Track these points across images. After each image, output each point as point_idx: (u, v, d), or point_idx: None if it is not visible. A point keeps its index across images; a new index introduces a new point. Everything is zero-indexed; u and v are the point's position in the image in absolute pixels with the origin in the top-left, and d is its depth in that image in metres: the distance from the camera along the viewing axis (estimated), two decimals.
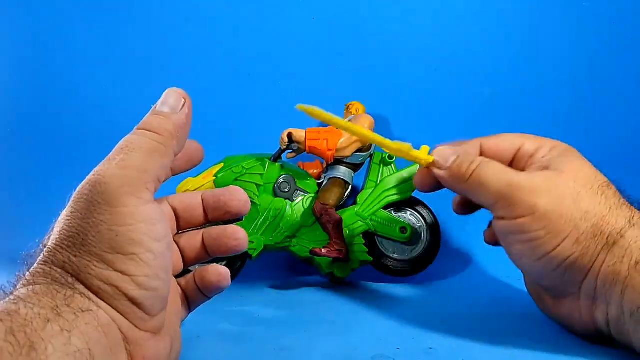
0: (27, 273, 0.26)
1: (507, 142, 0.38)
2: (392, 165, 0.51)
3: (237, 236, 0.33)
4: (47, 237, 0.28)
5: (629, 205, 0.34)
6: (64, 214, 0.28)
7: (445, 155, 0.37)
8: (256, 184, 0.48)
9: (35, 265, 0.27)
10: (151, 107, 0.32)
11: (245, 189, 0.41)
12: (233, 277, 0.49)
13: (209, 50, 0.60)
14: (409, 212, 0.51)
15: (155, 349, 0.28)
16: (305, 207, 0.49)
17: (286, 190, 0.49)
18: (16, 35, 0.61)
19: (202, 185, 0.48)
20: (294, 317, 0.42)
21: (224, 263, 0.48)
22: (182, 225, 0.33)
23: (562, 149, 0.37)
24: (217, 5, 0.60)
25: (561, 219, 0.33)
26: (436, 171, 0.37)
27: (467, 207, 0.40)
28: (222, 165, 0.49)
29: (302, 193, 0.50)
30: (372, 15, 0.59)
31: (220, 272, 0.32)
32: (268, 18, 0.59)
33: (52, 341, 0.22)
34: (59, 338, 0.23)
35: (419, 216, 0.51)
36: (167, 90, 0.32)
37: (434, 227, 0.50)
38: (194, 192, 0.35)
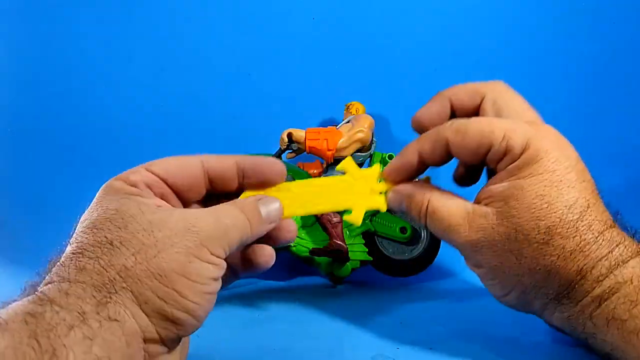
0: (68, 266, 0.26)
1: (477, 130, 0.32)
2: None
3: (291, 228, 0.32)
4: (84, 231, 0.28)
5: (585, 246, 0.30)
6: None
7: (397, 201, 0.35)
8: None
9: (80, 258, 0.26)
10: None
11: None
12: None
13: (209, 50, 0.60)
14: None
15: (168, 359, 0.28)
16: None
17: None
18: (16, 35, 0.61)
19: None
20: (294, 317, 0.42)
21: None
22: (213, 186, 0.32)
23: (523, 159, 0.31)
24: (217, 5, 0.59)
25: (506, 275, 0.31)
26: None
27: (467, 179, 0.38)
28: None
29: None
30: (372, 15, 0.59)
31: (268, 252, 0.32)
32: (268, 18, 0.59)
33: (73, 348, 0.23)
34: (80, 345, 0.23)
35: None
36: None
37: None
38: (227, 156, 0.33)
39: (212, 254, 0.28)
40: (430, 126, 0.35)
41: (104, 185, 0.30)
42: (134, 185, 0.30)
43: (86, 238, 0.27)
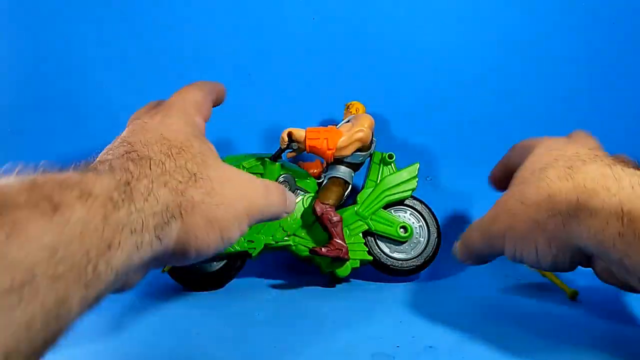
0: (150, 172, 0.29)
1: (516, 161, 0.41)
2: (392, 164, 0.50)
3: None
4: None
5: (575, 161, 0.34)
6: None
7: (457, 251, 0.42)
8: None
9: (161, 175, 0.29)
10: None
11: None
12: (233, 276, 0.49)
13: (208, 50, 0.60)
14: (408, 212, 0.51)
15: None
16: (305, 206, 0.49)
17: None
18: (15, 35, 0.61)
19: None
20: (294, 317, 0.42)
21: (224, 262, 0.48)
22: None
23: (526, 151, 0.40)
24: (216, 5, 0.60)
25: (520, 225, 0.35)
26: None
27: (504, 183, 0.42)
28: None
29: (302, 192, 0.49)
30: (372, 16, 0.59)
31: None
32: (268, 18, 0.59)
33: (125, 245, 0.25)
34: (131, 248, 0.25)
35: (418, 215, 0.51)
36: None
37: (434, 227, 0.50)
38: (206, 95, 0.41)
39: (247, 224, 0.33)
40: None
41: (177, 119, 0.35)
42: (200, 128, 0.37)
43: (167, 154, 0.30)
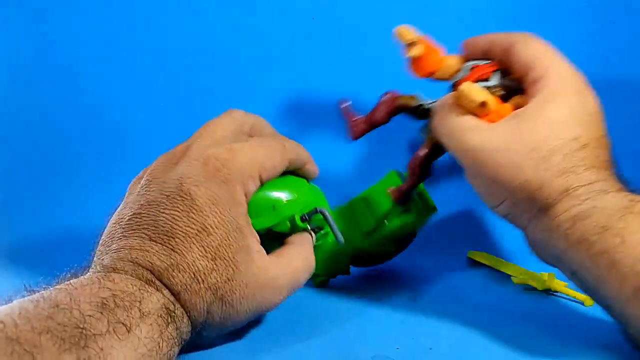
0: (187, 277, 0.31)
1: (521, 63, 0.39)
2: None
3: None
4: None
5: (577, 168, 0.34)
6: None
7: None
8: None
9: (196, 275, 0.31)
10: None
11: None
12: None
13: (208, 50, 0.60)
14: None
15: None
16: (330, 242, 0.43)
17: None
18: (15, 34, 0.61)
19: None
20: (293, 317, 0.42)
21: None
22: None
23: (550, 88, 0.37)
24: (216, 4, 0.59)
25: (499, 186, 0.35)
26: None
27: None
28: None
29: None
30: (372, 16, 0.59)
31: None
32: (268, 18, 0.59)
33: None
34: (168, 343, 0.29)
35: None
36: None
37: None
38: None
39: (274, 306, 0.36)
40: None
41: (229, 190, 0.33)
42: (246, 206, 0.34)
43: (201, 259, 0.31)
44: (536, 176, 0.34)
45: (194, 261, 0.30)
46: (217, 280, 0.31)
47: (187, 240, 0.30)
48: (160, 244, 0.30)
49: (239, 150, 0.34)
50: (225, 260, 0.31)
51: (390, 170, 0.49)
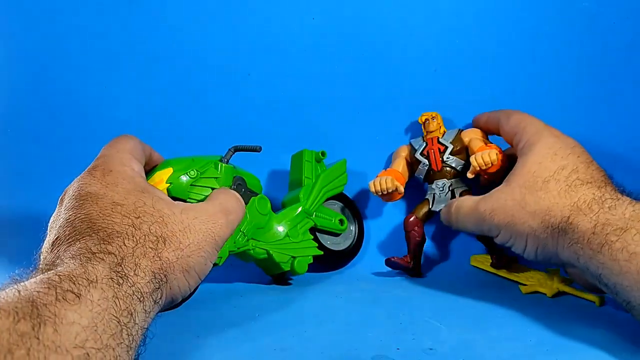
0: (126, 249, 0.32)
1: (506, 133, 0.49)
2: (322, 162, 0.54)
3: None
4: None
5: (576, 187, 0.40)
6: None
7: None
8: (212, 188, 0.44)
9: (136, 247, 0.32)
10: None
11: (202, 194, 0.43)
12: (186, 299, 0.40)
13: (208, 50, 0.60)
14: (336, 205, 0.55)
15: None
16: (259, 208, 0.48)
17: (241, 193, 0.45)
18: (14, 33, 0.61)
19: None
20: (294, 317, 0.42)
21: None
22: None
23: (529, 142, 0.44)
24: (216, 4, 0.59)
25: (517, 226, 0.41)
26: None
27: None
28: (170, 170, 0.43)
29: (251, 194, 0.48)
30: (372, 16, 0.59)
31: None
32: (268, 18, 0.59)
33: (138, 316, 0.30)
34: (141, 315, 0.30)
35: (345, 209, 0.55)
36: None
37: (359, 218, 0.56)
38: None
39: (217, 253, 0.38)
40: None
41: (118, 174, 0.37)
42: (142, 176, 0.39)
43: (131, 225, 0.33)
44: (540, 204, 0.40)
45: (121, 229, 0.33)
46: (149, 227, 0.34)
47: (108, 220, 0.33)
48: (88, 235, 0.32)
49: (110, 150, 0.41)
50: (147, 214, 0.34)
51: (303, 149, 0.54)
